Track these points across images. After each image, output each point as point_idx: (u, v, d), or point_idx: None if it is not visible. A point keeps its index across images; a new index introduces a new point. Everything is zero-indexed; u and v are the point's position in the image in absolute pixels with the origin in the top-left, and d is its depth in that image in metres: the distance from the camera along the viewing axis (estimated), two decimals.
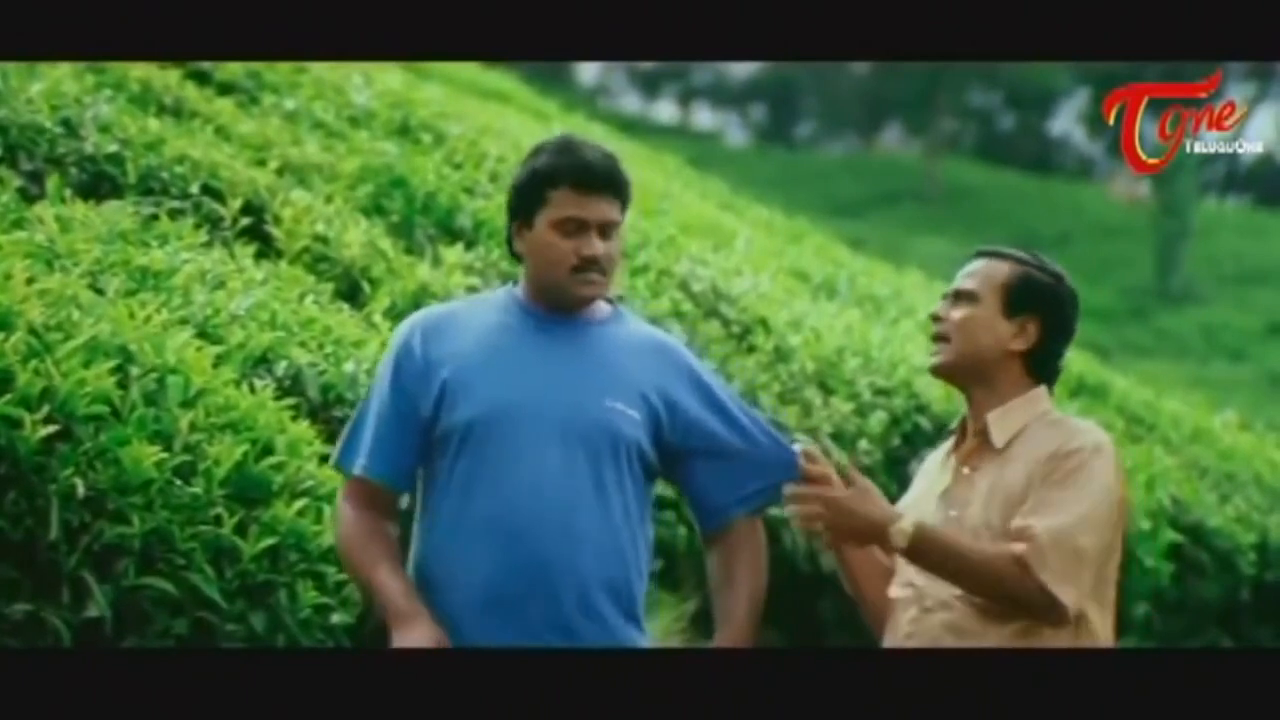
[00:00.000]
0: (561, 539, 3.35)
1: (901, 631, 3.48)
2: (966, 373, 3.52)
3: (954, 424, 3.58)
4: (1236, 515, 8.59)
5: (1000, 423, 3.46)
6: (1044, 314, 3.49)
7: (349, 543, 3.43)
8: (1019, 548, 3.29)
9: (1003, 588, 3.30)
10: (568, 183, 3.40)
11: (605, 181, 3.42)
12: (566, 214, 3.40)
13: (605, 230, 3.41)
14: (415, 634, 3.28)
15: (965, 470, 3.48)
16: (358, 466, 3.45)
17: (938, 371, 3.56)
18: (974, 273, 3.52)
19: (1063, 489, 3.34)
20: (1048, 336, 3.50)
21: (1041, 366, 3.51)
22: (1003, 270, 3.51)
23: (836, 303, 9.18)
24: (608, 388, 3.42)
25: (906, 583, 3.51)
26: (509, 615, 3.35)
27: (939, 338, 3.52)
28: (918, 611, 3.46)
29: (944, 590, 3.41)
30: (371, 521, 3.42)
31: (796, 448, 3.52)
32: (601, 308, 3.51)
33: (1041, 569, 3.27)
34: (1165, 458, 8.87)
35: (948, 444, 3.59)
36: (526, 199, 3.44)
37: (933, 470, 3.59)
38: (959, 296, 3.50)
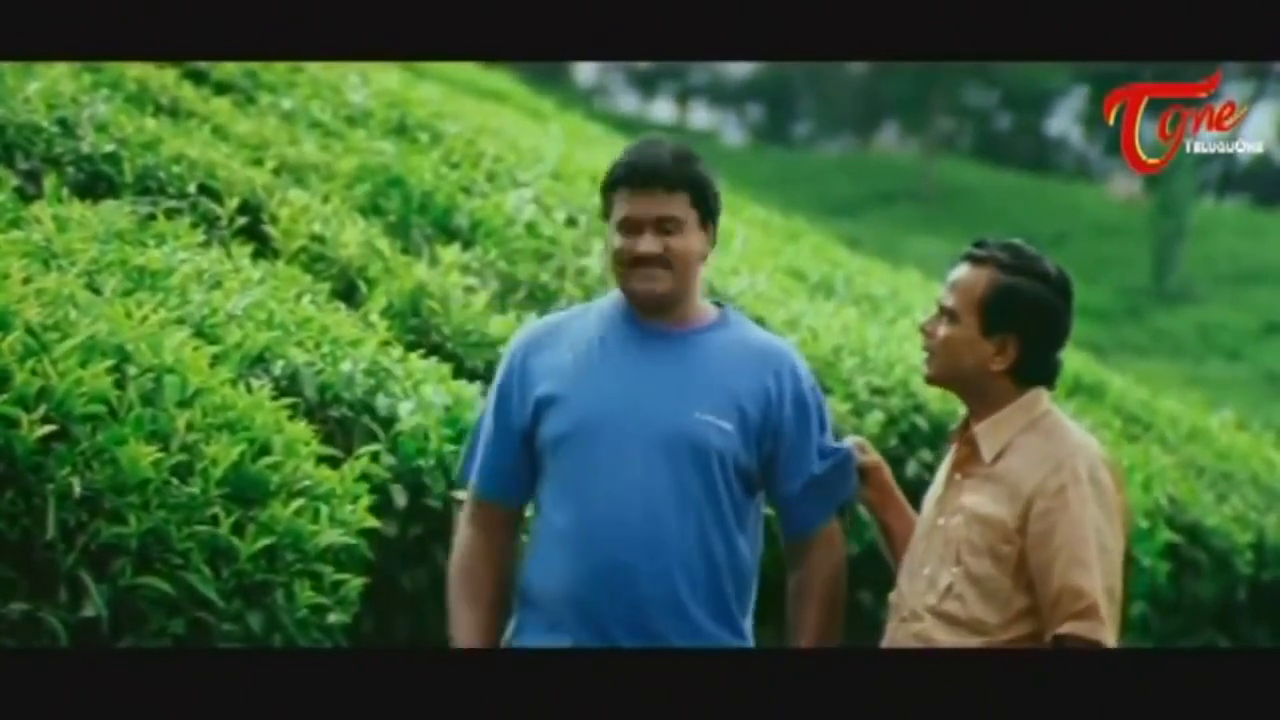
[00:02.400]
0: (642, 546, 3.40)
1: (885, 638, 3.50)
2: (954, 388, 3.51)
3: (955, 424, 3.57)
4: (1233, 514, 8.58)
5: (988, 437, 3.43)
6: (1025, 329, 3.41)
7: (452, 572, 3.56)
8: (1076, 634, 3.29)
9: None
10: (623, 184, 3.47)
11: (651, 177, 3.45)
12: (621, 214, 3.47)
13: (661, 225, 3.44)
14: None
15: (957, 476, 3.48)
16: (472, 485, 3.57)
17: (929, 382, 3.56)
18: (955, 285, 3.45)
19: (1067, 544, 3.30)
20: (1031, 350, 3.43)
21: (1030, 376, 3.45)
22: (981, 283, 3.42)
23: (833, 302, 9.17)
24: (699, 398, 3.44)
25: (896, 589, 3.52)
26: (586, 620, 3.40)
27: (927, 350, 3.51)
28: (896, 620, 3.48)
29: (917, 601, 3.42)
30: (479, 549, 3.54)
31: (849, 442, 3.57)
32: (706, 313, 3.54)
33: (1105, 638, 3.28)
34: (1162, 457, 8.86)
35: (954, 446, 3.57)
36: (604, 207, 3.52)
37: (942, 471, 3.59)
38: (941, 312, 3.47)
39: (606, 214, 3.51)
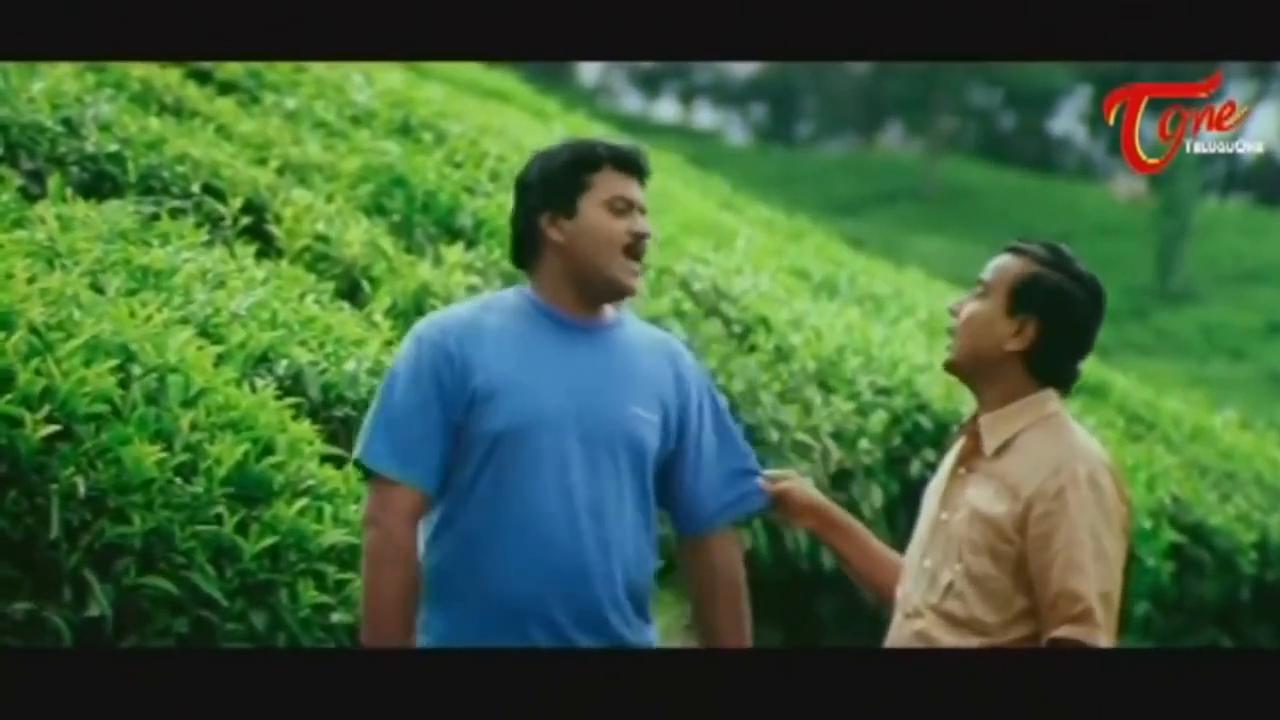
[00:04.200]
0: (592, 543, 3.37)
1: (890, 633, 3.51)
2: (971, 370, 3.50)
3: (960, 421, 3.57)
4: (1237, 514, 8.60)
5: (992, 429, 3.43)
6: (1046, 315, 3.42)
7: (379, 568, 3.35)
8: (1071, 638, 3.29)
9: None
10: (608, 164, 3.43)
11: (642, 164, 3.47)
12: (613, 193, 3.42)
13: (644, 211, 3.44)
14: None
15: (961, 470, 3.48)
16: (394, 469, 3.37)
17: (947, 368, 3.55)
18: (994, 267, 3.49)
19: (1065, 547, 3.30)
20: (1049, 338, 3.43)
21: (1045, 369, 3.44)
22: (1015, 267, 3.45)
23: (837, 302, 9.18)
24: (630, 393, 3.43)
25: (900, 584, 3.52)
26: (539, 618, 3.36)
27: (950, 332, 3.52)
28: (901, 617, 3.48)
29: (920, 599, 3.43)
30: (405, 544, 3.36)
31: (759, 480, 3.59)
32: (608, 310, 3.51)
33: (1100, 642, 3.29)
34: (1166, 457, 8.88)
35: (960, 438, 3.58)
36: (563, 187, 3.42)
37: (947, 463, 3.59)
38: (977, 288, 3.50)
39: (562, 197, 3.42)
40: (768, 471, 3.64)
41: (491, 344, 3.41)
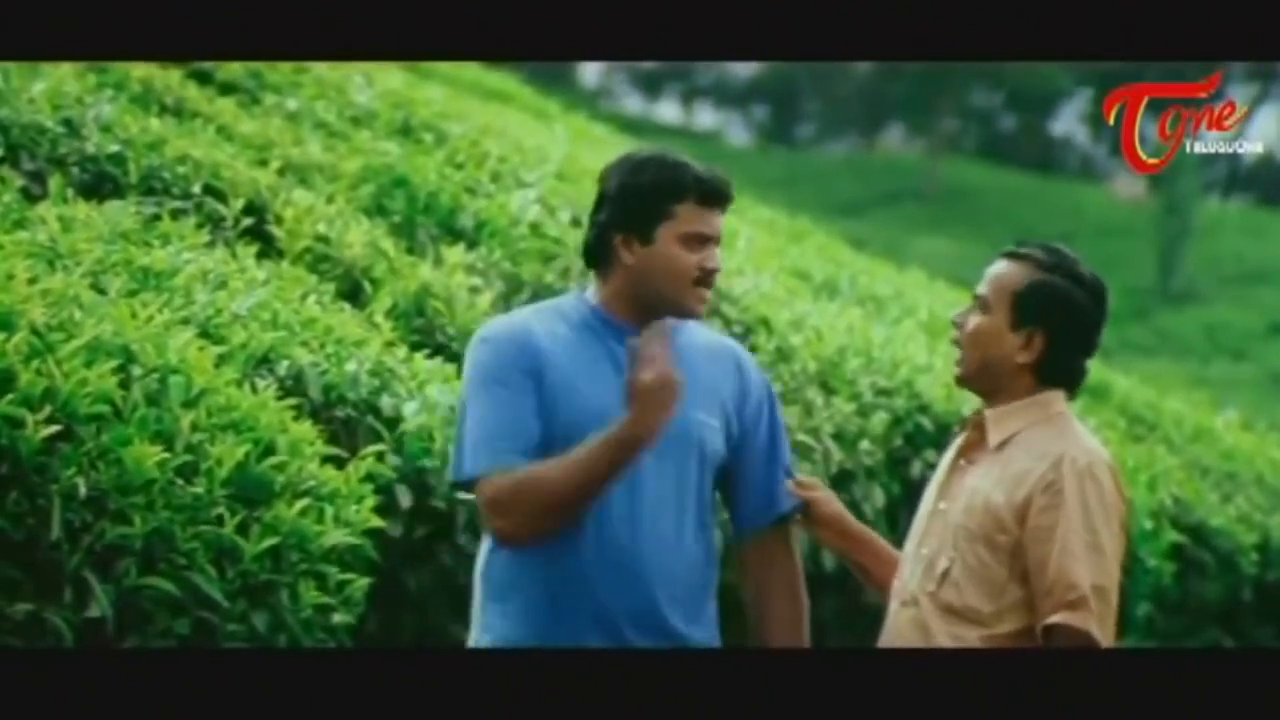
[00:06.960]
0: (654, 545, 3.38)
1: (886, 621, 3.53)
2: (980, 383, 3.51)
3: (967, 417, 3.58)
4: (1238, 515, 8.59)
5: (997, 423, 3.45)
6: (1053, 325, 3.42)
7: (545, 483, 3.31)
8: (1067, 624, 3.29)
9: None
10: (694, 197, 3.41)
11: (727, 197, 3.46)
12: (693, 228, 3.41)
13: (718, 244, 3.44)
14: (650, 412, 3.25)
15: (962, 462, 3.50)
16: (493, 464, 3.34)
17: (958, 383, 3.57)
18: (991, 277, 3.49)
19: (1063, 537, 3.31)
20: (1057, 347, 3.44)
21: (1053, 376, 3.46)
22: (1016, 277, 3.45)
23: (838, 302, 9.16)
24: (694, 399, 3.42)
25: (898, 575, 3.54)
26: (607, 624, 3.37)
27: (956, 345, 3.53)
28: (897, 605, 3.50)
29: (916, 586, 3.44)
30: (524, 481, 3.32)
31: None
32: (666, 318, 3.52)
33: (1094, 629, 3.29)
34: (1167, 457, 8.87)
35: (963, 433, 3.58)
36: (643, 211, 3.41)
37: (947, 457, 3.60)
38: (975, 302, 3.50)
39: (642, 222, 3.42)
40: (798, 477, 3.64)
41: (557, 350, 3.41)
